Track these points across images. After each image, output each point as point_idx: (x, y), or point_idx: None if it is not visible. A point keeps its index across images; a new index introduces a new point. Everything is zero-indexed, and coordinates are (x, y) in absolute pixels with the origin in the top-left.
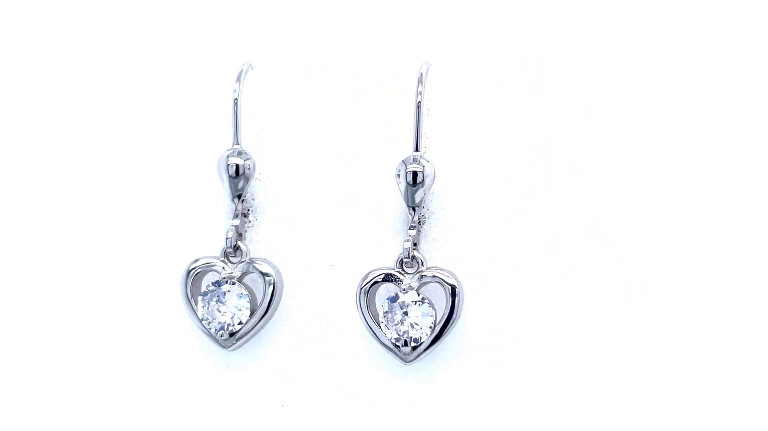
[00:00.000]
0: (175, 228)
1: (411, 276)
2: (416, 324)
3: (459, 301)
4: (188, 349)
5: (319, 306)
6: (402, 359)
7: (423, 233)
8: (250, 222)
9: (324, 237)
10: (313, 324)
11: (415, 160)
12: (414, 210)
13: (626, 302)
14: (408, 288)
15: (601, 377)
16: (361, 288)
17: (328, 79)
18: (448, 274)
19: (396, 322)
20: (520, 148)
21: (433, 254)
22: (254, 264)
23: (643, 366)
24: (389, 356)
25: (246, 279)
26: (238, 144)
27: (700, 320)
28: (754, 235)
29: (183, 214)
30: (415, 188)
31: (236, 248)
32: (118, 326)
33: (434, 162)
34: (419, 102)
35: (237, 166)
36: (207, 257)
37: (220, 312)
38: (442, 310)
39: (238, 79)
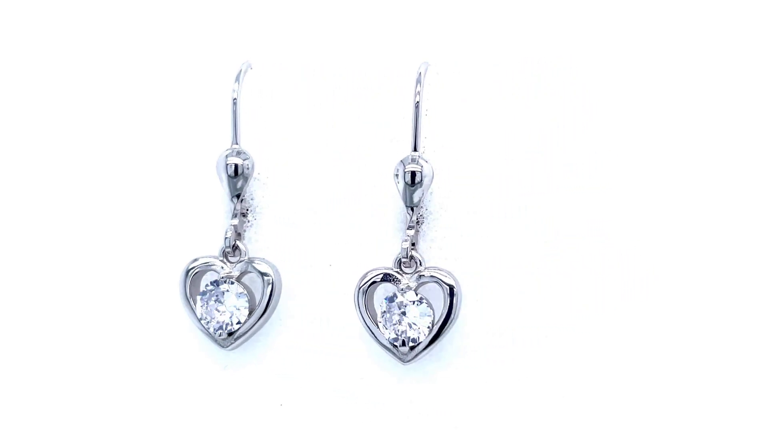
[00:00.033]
0: (174, 228)
1: (409, 276)
2: (414, 324)
3: (457, 301)
4: (187, 349)
5: (317, 306)
6: (400, 359)
7: (421, 233)
8: (248, 221)
9: (323, 237)
10: (311, 324)
11: (413, 160)
12: (412, 210)
13: (626, 302)
14: (406, 288)
15: (601, 377)
16: (360, 288)
17: (327, 78)
18: (446, 274)
19: (394, 322)
20: (520, 148)
21: (432, 254)
22: (253, 264)
23: (643, 366)
24: (387, 356)
25: (245, 279)
26: (237, 144)
27: (700, 320)
28: (754, 235)
29: (182, 214)
30: (413, 188)
31: (235, 248)
32: (117, 325)
33: (434, 162)
34: (417, 102)
35: (236, 166)
36: (206, 256)
37: (218, 311)
38: (440, 310)
39: (237, 79)
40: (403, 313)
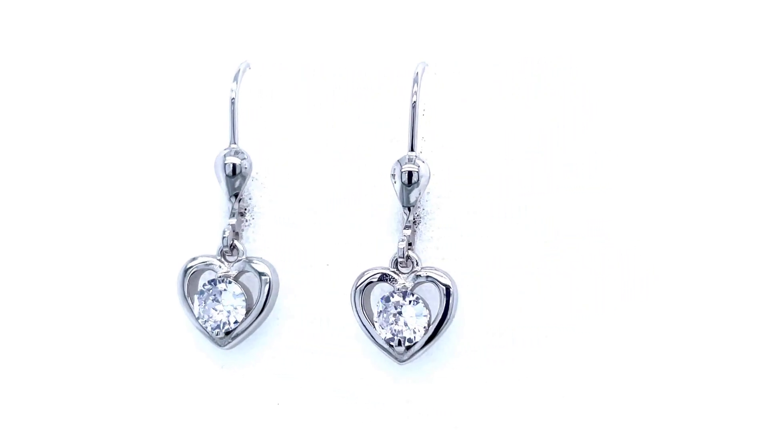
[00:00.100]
0: (172, 227)
1: (406, 276)
2: (410, 323)
3: (453, 301)
4: (184, 348)
5: (315, 306)
6: (396, 359)
7: (418, 233)
8: (246, 221)
9: (321, 237)
10: (308, 324)
11: (410, 160)
12: (409, 210)
13: (626, 302)
14: (402, 288)
15: (601, 377)
16: (356, 288)
17: (326, 78)
18: (442, 274)
19: (390, 322)
20: (519, 148)
21: (429, 254)
22: (250, 264)
23: (643, 366)
24: (384, 356)
25: (242, 278)
26: (235, 143)
27: (700, 320)
28: (754, 235)
29: (180, 213)
30: (410, 188)
31: (233, 247)
32: (114, 324)
33: (433, 162)
34: (414, 102)
35: (234, 165)
36: (204, 256)
37: (216, 310)
38: (437, 310)
39: (236, 79)
40: (400, 313)
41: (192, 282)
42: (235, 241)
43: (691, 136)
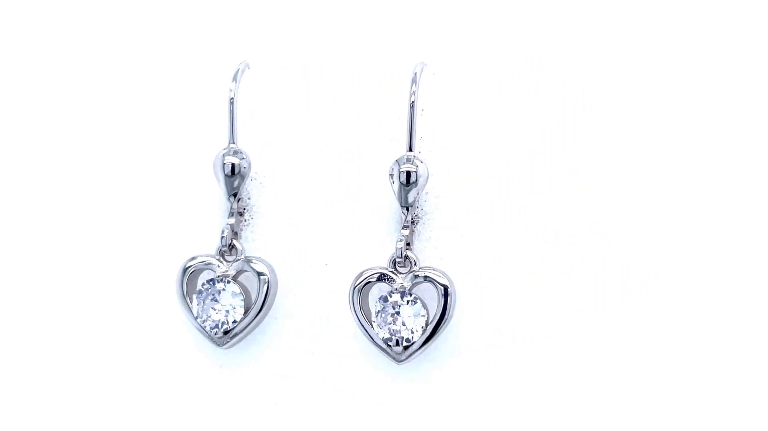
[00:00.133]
0: (171, 227)
1: (404, 276)
2: (408, 323)
3: (451, 301)
4: (183, 347)
5: (313, 305)
6: (394, 358)
7: (417, 233)
8: (245, 221)
9: (319, 237)
10: (307, 323)
11: (408, 160)
12: (407, 210)
13: (626, 302)
14: (400, 288)
15: (601, 377)
16: (354, 288)
17: (326, 78)
18: (440, 274)
19: (388, 322)
20: (519, 148)
21: (427, 254)
22: (249, 263)
23: (643, 366)
24: (382, 356)
25: (241, 278)
26: (234, 143)
27: (700, 320)
28: (754, 235)
29: (179, 213)
30: (408, 188)
31: (231, 247)
32: (113, 323)
33: (431, 162)
34: (413, 102)
35: (233, 165)
36: (203, 255)
37: (214, 310)
38: (435, 310)
39: (235, 79)
40: (397, 313)
41: (191, 281)
42: (234, 241)
43: (691, 136)
